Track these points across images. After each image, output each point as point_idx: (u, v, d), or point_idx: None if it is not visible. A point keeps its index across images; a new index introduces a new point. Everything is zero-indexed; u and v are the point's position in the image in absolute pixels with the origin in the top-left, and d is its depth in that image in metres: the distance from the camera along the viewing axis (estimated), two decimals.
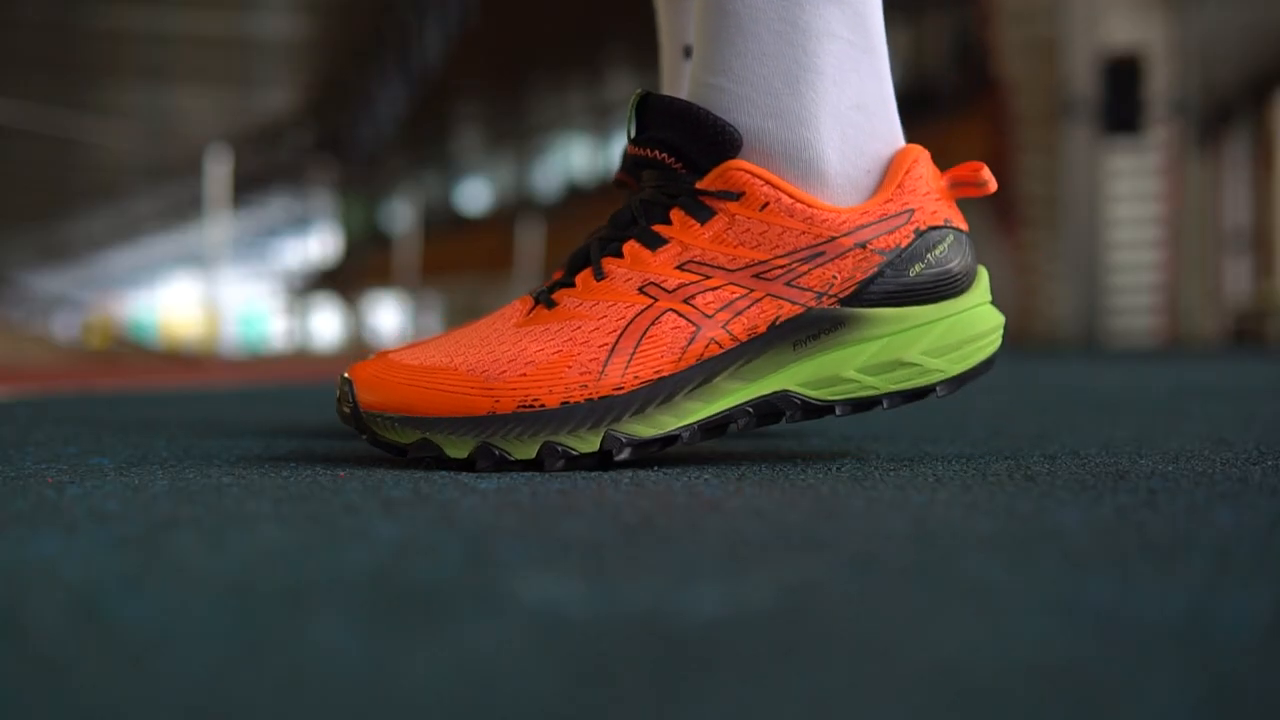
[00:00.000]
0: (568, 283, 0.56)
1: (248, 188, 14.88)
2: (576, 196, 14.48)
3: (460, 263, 13.52)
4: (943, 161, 0.58)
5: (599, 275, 0.54)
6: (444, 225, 15.81)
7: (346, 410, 0.54)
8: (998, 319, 0.57)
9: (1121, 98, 7.56)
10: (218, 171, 6.96)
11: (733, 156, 0.54)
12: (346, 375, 0.55)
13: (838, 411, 0.55)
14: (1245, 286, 7.85)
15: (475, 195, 17.48)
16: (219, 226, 7.50)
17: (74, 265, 23.48)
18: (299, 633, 0.24)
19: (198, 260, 13.61)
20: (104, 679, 0.21)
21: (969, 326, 0.56)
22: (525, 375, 0.52)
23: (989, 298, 0.57)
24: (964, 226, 0.57)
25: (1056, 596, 0.27)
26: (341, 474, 0.51)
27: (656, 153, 0.55)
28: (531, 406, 0.52)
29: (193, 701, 0.20)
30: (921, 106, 7.84)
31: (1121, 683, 0.20)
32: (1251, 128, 7.91)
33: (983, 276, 0.58)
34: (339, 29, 15.14)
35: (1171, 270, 7.73)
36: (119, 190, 18.36)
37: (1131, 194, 7.68)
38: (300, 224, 20.64)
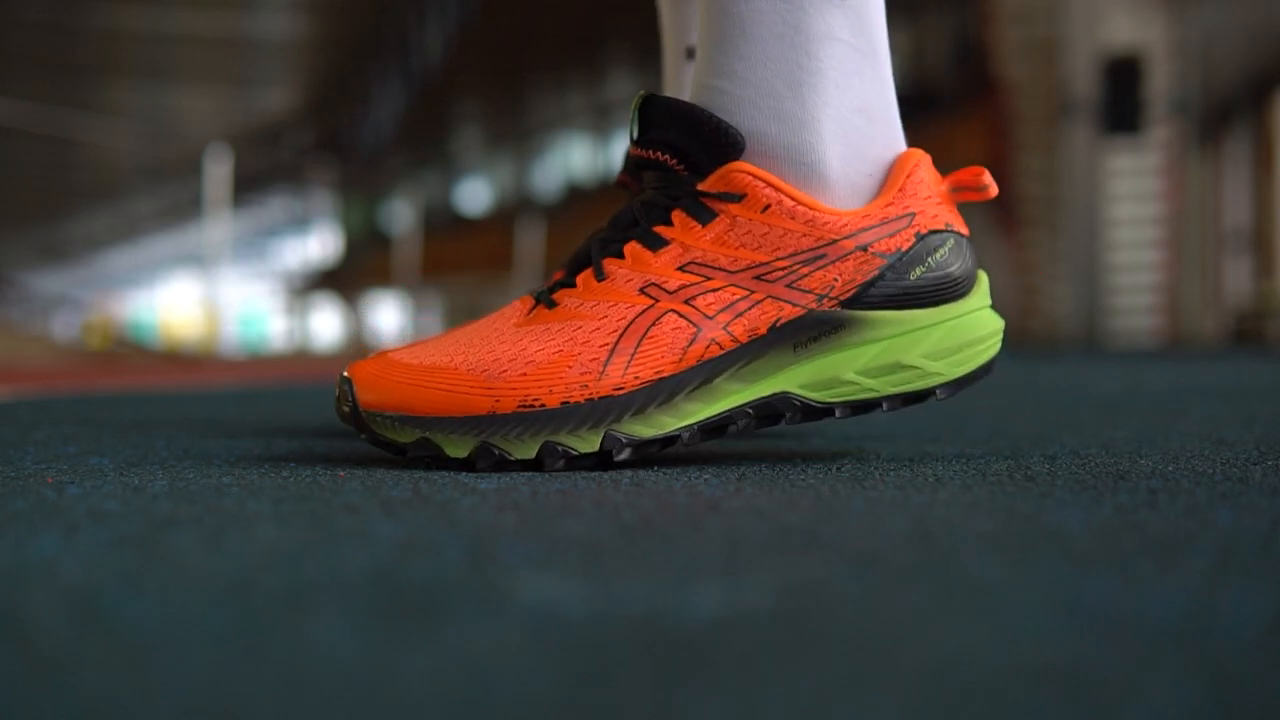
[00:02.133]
0: (568, 283, 0.56)
1: (248, 188, 14.88)
2: (576, 196, 14.48)
3: (460, 263, 13.52)
4: (944, 163, 0.58)
5: (600, 276, 0.54)
6: (444, 225, 15.81)
7: (346, 409, 0.54)
8: (997, 323, 0.57)
9: (1121, 98, 7.56)
10: (218, 171, 6.96)
11: (736, 159, 0.54)
12: (346, 374, 0.55)
13: (837, 414, 0.55)
14: (1245, 286, 7.85)
15: (475, 195, 17.48)
16: (219, 226, 7.51)
17: (74, 265, 23.49)
18: (299, 633, 0.24)
19: (197, 260, 13.60)
20: (104, 679, 0.21)
21: (969, 330, 0.56)
22: (526, 375, 0.52)
23: (989, 302, 0.58)
24: (964, 231, 0.57)
25: (1056, 596, 0.27)
26: (341, 474, 0.51)
27: (659, 154, 0.55)
28: (532, 406, 0.52)
29: (193, 701, 0.20)
30: (921, 107, 7.83)
31: (1121, 683, 0.20)
32: (1251, 128, 7.90)
33: (983, 281, 0.58)
34: (339, 29, 15.14)
35: (1171, 270, 7.73)
36: (119, 190, 18.36)
37: (1131, 194, 7.68)
38: (300, 224, 20.64)
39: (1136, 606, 0.26)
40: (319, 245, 20.67)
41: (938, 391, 0.55)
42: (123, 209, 19.47)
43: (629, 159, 0.57)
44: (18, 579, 0.29)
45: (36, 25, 13.38)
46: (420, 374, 0.53)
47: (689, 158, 0.55)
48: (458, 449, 0.52)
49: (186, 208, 16.49)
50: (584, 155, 15.37)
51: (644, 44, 13.63)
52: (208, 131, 13.31)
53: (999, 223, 7.60)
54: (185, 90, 15.58)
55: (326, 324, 18.66)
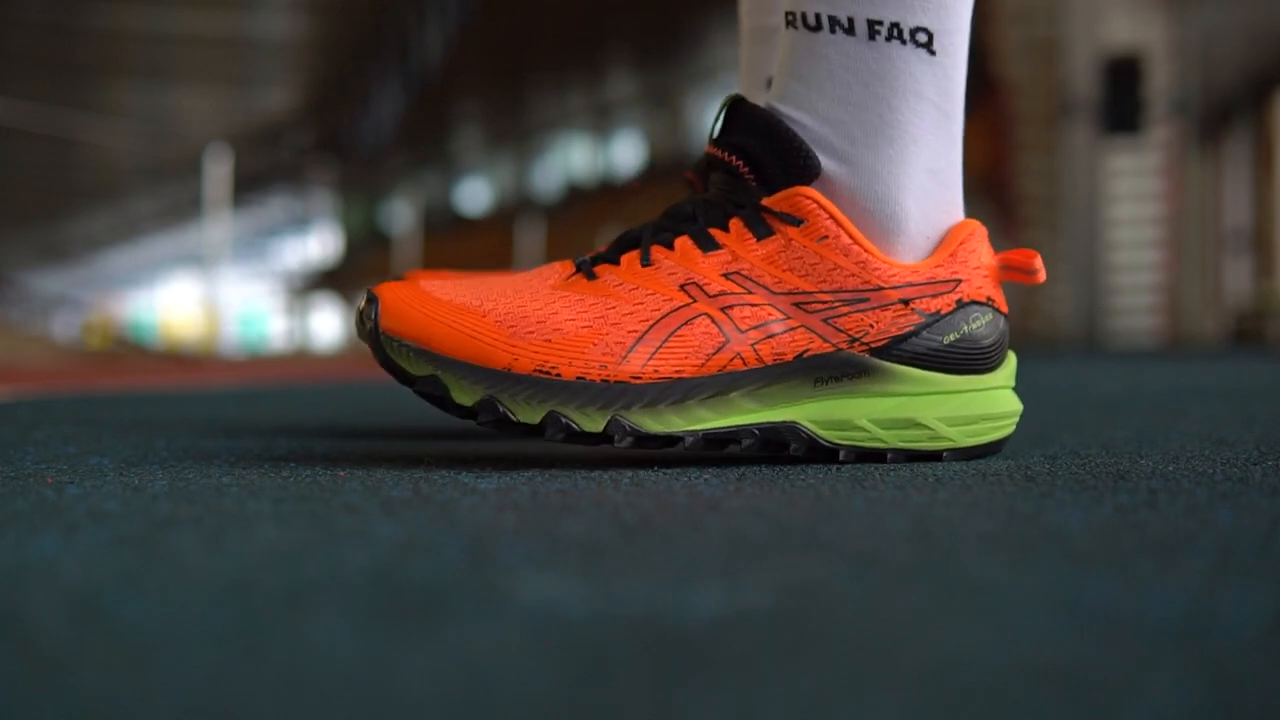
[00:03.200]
0: (612, 259, 0.56)
1: (248, 188, 14.87)
2: (576, 196, 14.48)
3: (460, 263, 13.45)
4: None
5: (645, 261, 0.55)
6: (444, 225, 15.81)
7: (366, 328, 0.54)
8: (1017, 406, 0.58)
9: (1121, 98, 7.56)
10: (218, 171, 6.96)
11: (807, 184, 0.54)
12: (373, 292, 0.54)
13: (841, 456, 0.55)
14: (1245, 286, 7.85)
15: (475, 195, 17.48)
16: (219, 226, 7.51)
17: (74, 265, 23.48)
18: (299, 633, 0.24)
19: (197, 260, 13.60)
20: (104, 679, 0.21)
21: (988, 405, 0.57)
22: (550, 341, 0.52)
23: (1013, 383, 0.59)
24: (1004, 309, 0.58)
25: (1057, 596, 0.27)
26: (341, 474, 0.51)
27: (733, 158, 0.55)
28: (547, 374, 0.52)
29: (193, 701, 0.20)
30: None
31: (1121, 683, 0.20)
32: (1251, 128, 7.90)
33: (1011, 361, 0.59)
34: (339, 29, 15.14)
35: (1171, 270, 7.73)
36: (119, 190, 18.36)
37: (1131, 194, 7.68)
38: (300, 224, 20.64)
39: (1136, 606, 0.26)
40: (319, 245, 20.67)
41: (945, 455, 0.56)
42: (123, 209, 19.46)
43: (702, 157, 0.58)
44: (18, 579, 0.29)
45: (36, 25, 13.37)
46: (448, 311, 0.53)
47: (762, 170, 0.55)
48: (465, 396, 0.52)
49: (186, 208, 16.48)
50: (584, 155, 15.37)
51: (644, 44, 13.63)
52: (208, 131, 13.31)
53: (999, 223, 7.59)
54: (185, 90, 15.58)
55: (326, 324, 18.65)
